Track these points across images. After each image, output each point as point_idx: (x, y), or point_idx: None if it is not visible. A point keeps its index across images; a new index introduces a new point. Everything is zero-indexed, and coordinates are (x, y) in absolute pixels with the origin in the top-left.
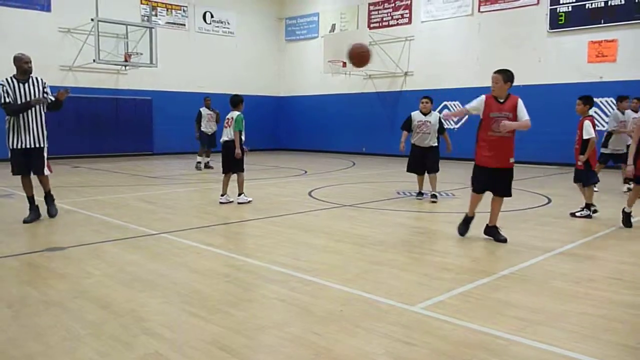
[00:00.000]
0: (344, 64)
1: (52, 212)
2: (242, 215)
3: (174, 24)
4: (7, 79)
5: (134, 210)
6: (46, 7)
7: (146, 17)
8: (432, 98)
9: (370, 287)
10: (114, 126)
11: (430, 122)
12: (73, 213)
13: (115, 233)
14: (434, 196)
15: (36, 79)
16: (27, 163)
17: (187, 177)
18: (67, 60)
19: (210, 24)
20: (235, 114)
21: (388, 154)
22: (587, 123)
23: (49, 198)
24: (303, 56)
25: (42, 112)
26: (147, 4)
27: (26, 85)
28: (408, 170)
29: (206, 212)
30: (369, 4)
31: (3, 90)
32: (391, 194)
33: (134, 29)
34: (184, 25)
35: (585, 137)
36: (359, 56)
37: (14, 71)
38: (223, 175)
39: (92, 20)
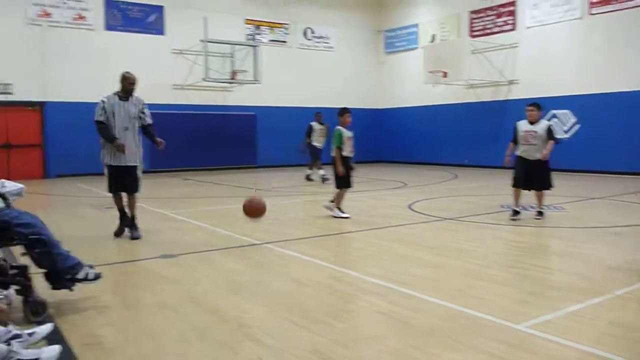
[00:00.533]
0: (445, 74)
1: (136, 236)
2: (343, 227)
3: (276, 41)
4: (109, 96)
5: (239, 220)
6: (160, 31)
7: (250, 36)
8: (541, 105)
9: (472, 302)
10: (221, 141)
11: (537, 132)
12: (184, 223)
13: (222, 242)
14: (540, 213)
15: (137, 98)
16: (121, 181)
17: (290, 189)
18: (179, 80)
19: (310, 39)
20: (336, 128)
21: (492, 166)
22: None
23: (133, 224)
24: (403, 67)
25: (138, 131)
26: (252, 24)
27: (126, 104)
28: (514, 186)
29: (307, 223)
30: (470, 12)
31: (100, 107)
32: (495, 208)
33: (240, 48)
34: (286, 42)
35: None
36: (253, 211)
37: (122, 91)
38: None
39: (201, 41)
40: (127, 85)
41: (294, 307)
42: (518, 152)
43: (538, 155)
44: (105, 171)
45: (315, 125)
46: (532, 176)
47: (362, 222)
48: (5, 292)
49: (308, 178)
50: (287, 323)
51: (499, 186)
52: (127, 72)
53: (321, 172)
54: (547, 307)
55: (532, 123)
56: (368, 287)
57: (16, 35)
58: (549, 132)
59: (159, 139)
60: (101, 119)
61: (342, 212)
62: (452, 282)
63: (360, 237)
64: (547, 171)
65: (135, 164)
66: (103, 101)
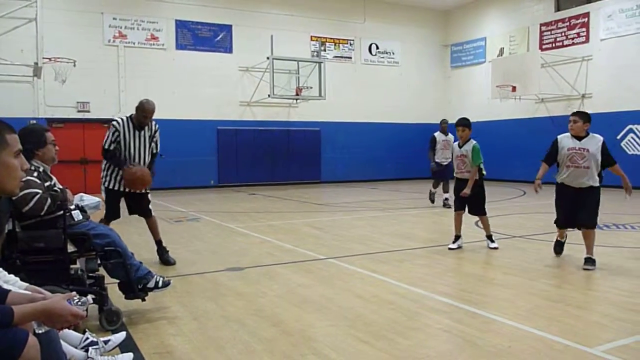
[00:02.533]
0: (514, 89)
1: (169, 261)
2: (407, 244)
3: (341, 57)
4: (122, 120)
5: (303, 235)
6: (228, 49)
7: (315, 53)
8: (590, 115)
9: (542, 324)
10: (285, 156)
11: (587, 151)
12: (249, 237)
13: (287, 256)
14: (589, 261)
15: (153, 125)
16: (136, 206)
17: (353, 204)
18: (246, 96)
19: (375, 55)
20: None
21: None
22: None
23: (161, 248)
24: (470, 82)
25: (148, 154)
26: (317, 40)
27: (142, 132)
28: (557, 224)
29: (370, 239)
30: (541, 25)
31: (112, 133)
32: None
33: (305, 65)
34: (351, 58)
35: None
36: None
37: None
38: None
39: (267, 58)
40: (142, 117)
41: (358, 323)
42: (559, 178)
43: (588, 181)
44: (104, 196)
45: (438, 136)
46: (579, 208)
47: (427, 239)
48: (83, 298)
49: (431, 198)
50: (351, 338)
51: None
52: (146, 102)
53: (445, 195)
54: (624, 331)
55: (578, 138)
56: (433, 304)
57: (94, 56)
58: (605, 152)
59: (152, 171)
60: (112, 147)
61: (493, 241)
62: (521, 301)
63: (425, 254)
64: (596, 203)
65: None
66: (117, 128)
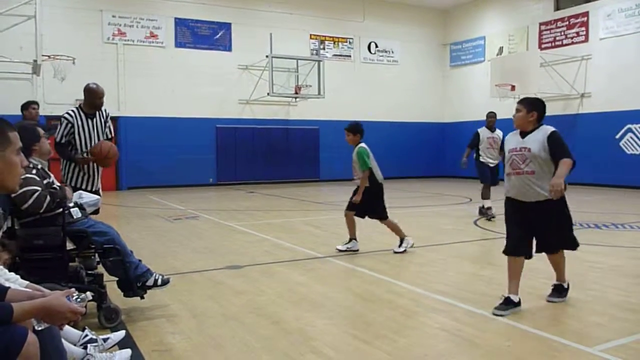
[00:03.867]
0: (513, 88)
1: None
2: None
3: (341, 55)
4: (73, 111)
5: (302, 233)
6: (228, 48)
7: (315, 51)
8: (541, 102)
9: (541, 323)
10: (284, 154)
11: (528, 150)
12: (248, 235)
13: (285, 255)
14: (559, 290)
15: (103, 111)
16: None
17: None
18: (245, 94)
19: (374, 53)
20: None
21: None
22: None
23: None
24: (469, 81)
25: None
26: (316, 39)
27: (94, 120)
28: (507, 252)
29: (369, 239)
30: (540, 24)
31: (64, 126)
32: None
33: (304, 63)
34: (350, 56)
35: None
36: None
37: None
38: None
39: (267, 56)
40: (96, 100)
41: (357, 321)
42: (506, 191)
43: (541, 192)
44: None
45: (483, 132)
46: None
47: (425, 238)
48: (82, 295)
49: (482, 212)
50: (350, 337)
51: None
52: (93, 84)
53: (487, 203)
54: (623, 331)
55: (523, 135)
56: (431, 303)
57: (93, 54)
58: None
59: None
60: (64, 140)
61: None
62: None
63: (423, 253)
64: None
65: (97, 189)
66: (69, 120)
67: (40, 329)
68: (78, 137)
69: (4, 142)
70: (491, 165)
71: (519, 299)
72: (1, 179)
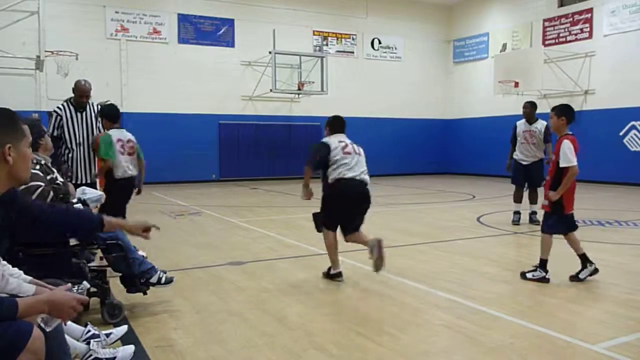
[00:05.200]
0: (516, 84)
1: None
2: (410, 240)
3: (344, 52)
4: (63, 105)
5: (304, 230)
6: (231, 44)
7: (318, 47)
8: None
9: (544, 320)
10: (287, 151)
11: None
12: (251, 231)
13: (288, 251)
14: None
15: (92, 105)
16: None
17: None
18: (248, 91)
19: (378, 50)
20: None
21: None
22: (565, 143)
23: None
24: (472, 77)
25: (93, 132)
26: (319, 35)
27: (83, 114)
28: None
29: (372, 234)
30: (544, 20)
31: (54, 119)
32: None
33: (307, 59)
34: (353, 52)
35: (562, 164)
36: None
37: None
38: None
39: (269, 53)
40: (78, 97)
41: (359, 318)
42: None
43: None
44: None
45: (520, 126)
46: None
47: (429, 235)
48: (80, 285)
49: (514, 218)
50: (352, 333)
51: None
52: (83, 81)
53: (532, 207)
54: (626, 328)
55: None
56: (434, 300)
57: (96, 50)
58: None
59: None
60: (56, 133)
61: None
62: (522, 298)
63: (427, 250)
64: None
65: (89, 181)
66: (58, 114)
67: (49, 329)
68: (67, 129)
69: (19, 135)
70: (524, 163)
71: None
72: (15, 170)
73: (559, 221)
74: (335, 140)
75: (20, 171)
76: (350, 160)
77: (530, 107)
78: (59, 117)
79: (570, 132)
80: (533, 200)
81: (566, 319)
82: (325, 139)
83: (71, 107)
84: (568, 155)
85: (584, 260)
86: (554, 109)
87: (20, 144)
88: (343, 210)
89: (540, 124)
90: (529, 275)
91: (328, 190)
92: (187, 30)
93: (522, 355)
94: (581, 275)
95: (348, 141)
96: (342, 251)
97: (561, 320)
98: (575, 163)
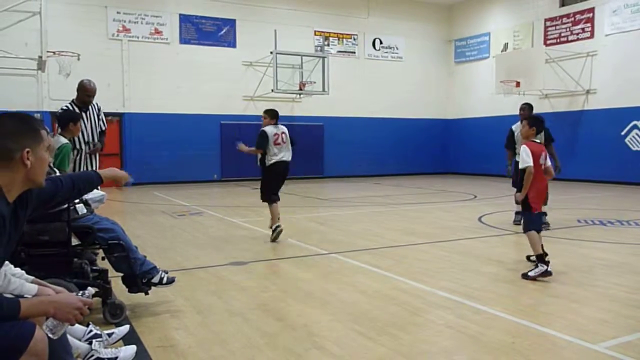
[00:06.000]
0: (518, 84)
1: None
2: (410, 239)
3: (345, 52)
4: (68, 106)
5: (306, 230)
6: (232, 44)
7: (319, 47)
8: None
9: (545, 320)
10: None
11: None
12: (253, 231)
13: (290, 251)
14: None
15: (95, 105)
16: None
17: (356, 200)
18: (249, 91)
19: (379, 50)
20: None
21: (568, 179)
22: (524, 148)
23: None
24: (473, 77)
25: (97, 131)
26: (320, 35)
27: (87, 113)
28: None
29: (373, 234)
30: (545, 20)
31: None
32: (570, 222)
33: (308, 59)
34: (354, 52)
35: (520, 165)
36: None
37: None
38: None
39: (271, 53)
40: (85, 97)
41: (361, 318)
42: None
43: None
44: None
45: (517, 130)
46: None
47: (430, 235)
48: (86, 292)
49: (517, 219)
50: (354, 333)
51: (574, 199)
52: (87, 80)
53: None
54: (628, 328)
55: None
56: (436, 300)
57: (98, 50)
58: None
59: (102, 143)
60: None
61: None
62: (524, 298)
63: (428, 250)
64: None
65: None
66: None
67: (56, 337)
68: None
69: (37, 139)
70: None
71: None
72: (32, 174)
73: (528, 219)
74: (272, 133)
75: (37, 175)
76: (278, 150)
77: (528, 109)
78: None
79: (538, 141)
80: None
81: (567, 318)
82: (265, 128)
83: (75, 108)
84: (524, 157)
85: (541, 258)
86: (528, 118)
87: (39, 148)
88: (274, 182)
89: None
90: (531, 274)
91: (265, 170)
92: (188, 30)
93: (524, 354)
94: (532, 273)
95: (279, 131)
96: (342, 251)
97: (562, 319)
98: (529, 164)
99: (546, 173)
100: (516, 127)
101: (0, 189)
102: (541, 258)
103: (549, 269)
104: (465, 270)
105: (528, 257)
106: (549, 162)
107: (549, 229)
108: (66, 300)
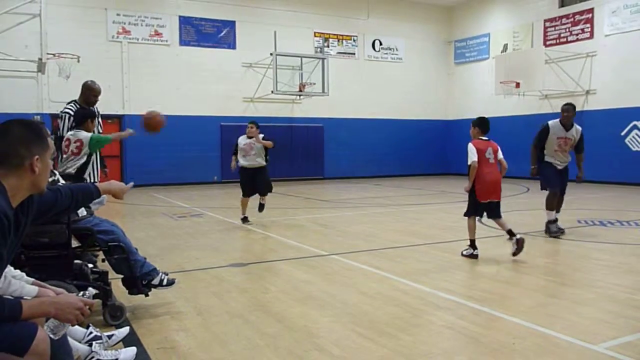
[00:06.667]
0: (517, 85)
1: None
2: (410, 240)
3: (345, 53)
4: (72, 107)
5: (307, 231)
6: (232, 45)
7: (319, 49)
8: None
9: (547, 321)
10: (288, 152)
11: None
12: (253, 232)
13: (290, 252)
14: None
15: (95, 107)
16: None
17: (356, 201)
18: (249, 92)
19: (379, 51)
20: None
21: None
22: (470, 145)
23: None
24: (473, 78)
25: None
26: (320, 37)
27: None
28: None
29: (374, 236)
30: (545, 21)
31: (67, 119)
32: (571, 223)
33: (308, 61)
34: (354, 54)
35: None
36: (151, 124)
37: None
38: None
39: (271, 54)
40: (92, 98)
41: (361, 319)
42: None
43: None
44: None
45: (555, 128)
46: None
47: (430, 236)
48: (87, 293)
49: (550, 229)
50: (354, 334)
51: (576, 200)
52: (91, 81)
53: (553, 215)
54: (628, 328)
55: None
56: (436, 301)
57: (98, 52)
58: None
59: None
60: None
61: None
62: (525, 299)
63: (428, 250)
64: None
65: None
66: (71, 115)
67: (57, 337)
68: None
69: (44, 146)
70: (559, 167)
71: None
72: (38, 180)
73: (472, 205)
74: (242, 142)
75: (41, 181)
76: (246, 155)
77: (573, 110)
78: (71, 119)
79: (485, 138)
80: (559, 206)
81: (568, 318)
82: (239, 138)
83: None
84: (469, 154)
85: (472, 243)
86: (474, 120)
87: (46, 155)
88: (245, 183)
89: (576, 131)
90: (464, 252)
91: (239, 172)
92: (188, 32)
93: (524, 355)
94: (464, 252)
95: (249, 141)
96: (343, 252)
97: (563, 320)
98: (474, 160)
99: (501, 167)
100: (553, 125)
101: (5, 192)
102: (473, 243)
103: (474, 252)
104: (465, 271)
105: (509, 231)
106: (500, 155)
107: (564, 234)
108: (67, 300)
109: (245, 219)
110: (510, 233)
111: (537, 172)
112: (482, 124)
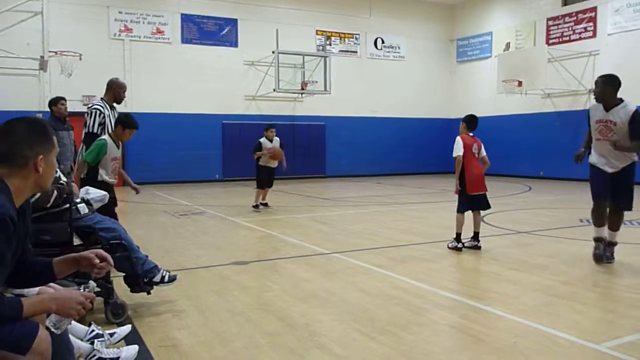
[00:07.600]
0: (520, 84)
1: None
2: (411, 239)
3: (347, 51)
4: (102, 103)
5: (308, 230)
6: (234, 43)
7: (321, 47)
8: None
9: (548, 320)
10: (290, 150)
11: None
12: (254, 231)
13: (291, 251)
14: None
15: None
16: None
17: (358, 199)
18: (251, 91)
19: (381, 49)
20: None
21: (569, 178)
22: (457, 139)
23: None
24: (475, 77)
25: None
26: (322, 35)
27: (114, 112)
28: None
29: (375, 234)
30: (548, 19)
31: (98, 115)
32: (573, 222)
33: (310, 59)
34: (356, 52)
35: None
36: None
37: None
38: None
39: (273, 52)
40: (123, 94)
41: (363, 317)
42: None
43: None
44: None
45: (594, 111)
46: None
47: (431, 235)
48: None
49: (599, 255)
50: (356, 333)
51: (576, 199)
52: (118, 79)
53: (598, 232)
54: (631, 328)
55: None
56: (438, 299)
57: (100, 50)
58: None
59: None
60: (97, 131)
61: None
62: (526, 298)
63: (430, 249)
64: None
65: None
66: (101, 111)
67: (60, 332)
68: (108, 127)
69: (49, 146)
70: (609, 171)
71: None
72: (42, 180)
73: (463, 200)
74: (268, 145)
75: (45, 181)
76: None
77: (603, 84)
78: (102, 115)
79: (471, 134)
80: (613, 224)
81: (570, 318)
82: (262, 140)
83: (107, 105)
84: (455, 147)
85: (475, 236)
86: (465, 117)
87: (50, 154)
88: (263, 178)
89: (624, 111)
90: (449, 245)
91: (258, 168)
92: (190, 30)
93: (526, 354)
94: (466, 243)
95: (272, 145)
96: (344, 251)
97: (565, 319)
98: (459, 154)
99: (483, 162)
100: (593, 107)
101: (10, 194)
102: (458, 237)
103: (459, 246)
104: (466, 270)
105: (476, 233)
106: (483, 152)
107: (611, 262)
108: (68, 295)
109: (259, 205)
110: (476, 236)
111: (578, 157)
112: (471, 122)
